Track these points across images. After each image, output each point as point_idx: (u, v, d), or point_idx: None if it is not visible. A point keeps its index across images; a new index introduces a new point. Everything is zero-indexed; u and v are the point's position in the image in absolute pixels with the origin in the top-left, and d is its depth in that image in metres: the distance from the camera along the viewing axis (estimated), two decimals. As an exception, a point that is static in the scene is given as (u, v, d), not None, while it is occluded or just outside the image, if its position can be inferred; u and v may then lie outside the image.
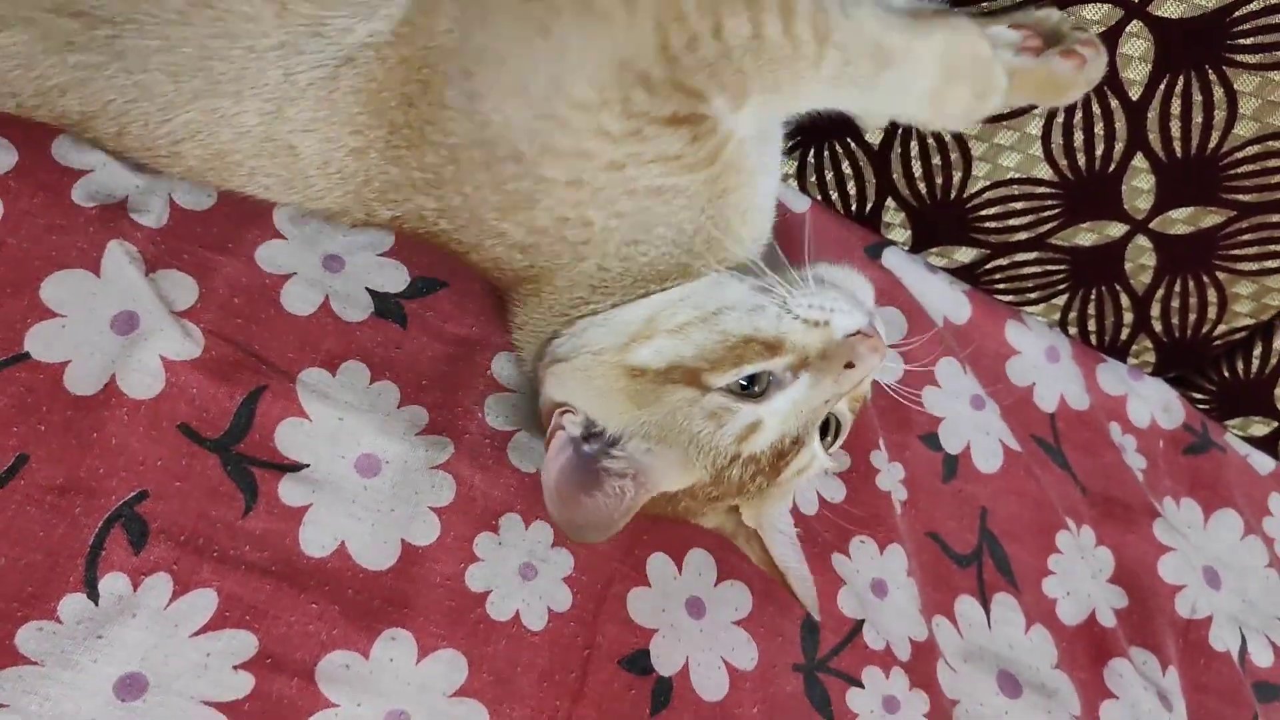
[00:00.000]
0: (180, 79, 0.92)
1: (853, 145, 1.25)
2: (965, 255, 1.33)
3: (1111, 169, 1.22)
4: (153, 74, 0.91)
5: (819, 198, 1.31)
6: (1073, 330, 1.39)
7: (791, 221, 1.30)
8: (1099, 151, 1.21)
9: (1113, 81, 1.16)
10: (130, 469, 0.90)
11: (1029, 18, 1.06)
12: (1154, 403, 1.43)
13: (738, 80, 0.90)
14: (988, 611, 1.19)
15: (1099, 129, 1.20)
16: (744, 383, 0.90)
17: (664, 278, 0.96)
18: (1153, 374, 1.43)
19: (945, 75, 0.97)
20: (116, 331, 0.94)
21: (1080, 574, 1.25)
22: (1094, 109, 1.18)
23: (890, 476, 1.20)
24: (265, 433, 0.96)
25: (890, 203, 1.29)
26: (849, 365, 0.91)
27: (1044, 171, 1.23)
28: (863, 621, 1.10)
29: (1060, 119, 1.19)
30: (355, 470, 0.97)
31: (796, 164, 1.28)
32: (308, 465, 0.96)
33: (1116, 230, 1.28)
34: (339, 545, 0.94)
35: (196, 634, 0.88)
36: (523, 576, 0.99)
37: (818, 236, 1.29)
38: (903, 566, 1.15)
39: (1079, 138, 1.20)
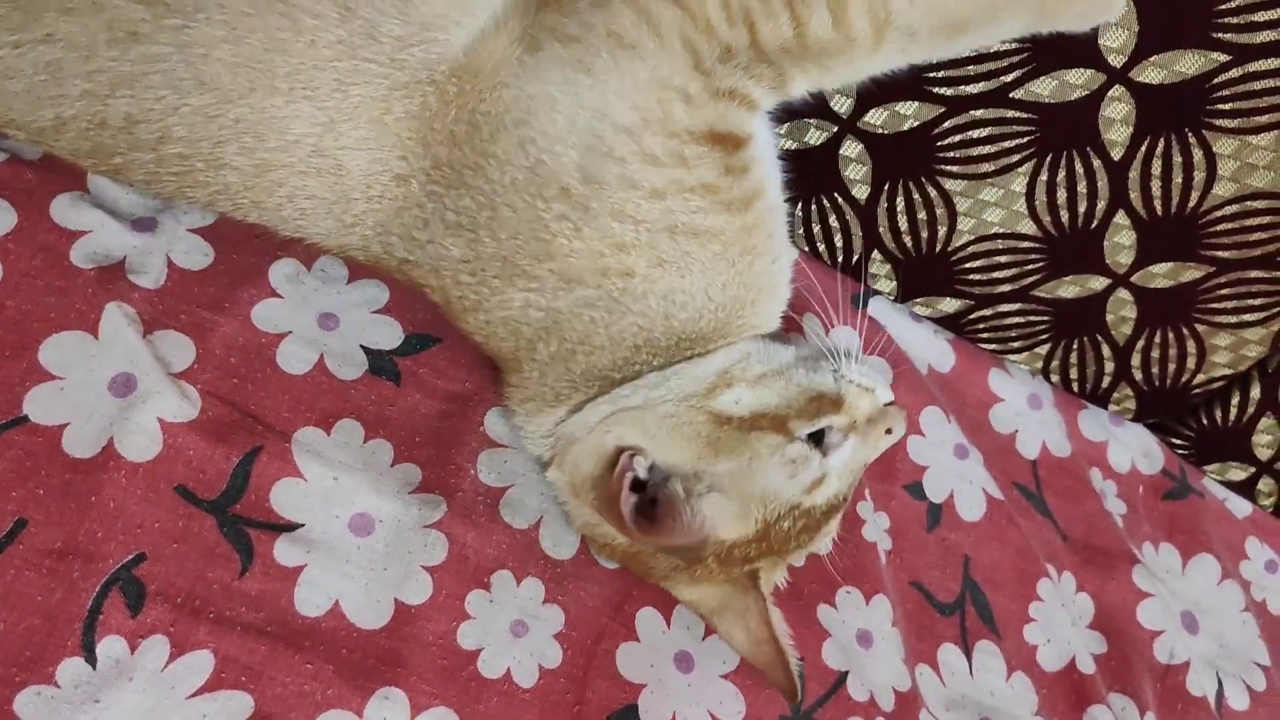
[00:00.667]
0: (238, 70, 0.91)
1: (840, 200, 1.27)
2: (950, 305, 1.35)
3: (1094, 226, 1.25)
4: (213, 65, 0.91)
5: (807, 249, 1.33)
6: (1055, 378, 1.41)
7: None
8: (1081, 209, 1.24)
9: (1095, 142, 1.18)
10: (128, 532, 0.91)
11: None
12: (1134, 448, 1.45)
13: (776, 74, 0.93)
14: (970, 659, 1.21)
15: (1081, 188, 1.22)
16: (815, 436, 0.96)
17: (705, 339, 0.99)
18: (1133, 420, 1.46)
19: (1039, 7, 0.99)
20: (114, 394, 0.95)
21: (1060, 621, 1.27)
22: (1077, 168, 1.21)
23: (876, 526, 1.22)
24: (261, 493, 0.97)
25: (876, 255, 1.31)
26: (888, 431, 0.99)
27: (1028, 227, 1.26)
28: (847, 673, 1.12)
29: (1044, 177, 1.22)
30: (349, 530, 0.99)
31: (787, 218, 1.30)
32: (303, 525, 0.97)
33: (1098, 284, 1.30)
34: (333, 605, 0.96)
35: (193, 695, 0.89)
36: (514, 634, 1.01)
37: (806, 285, 1.31)
38: (888, 617, 1.17)
39: (1062, 195, 1.23)
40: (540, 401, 1.01)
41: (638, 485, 0.95)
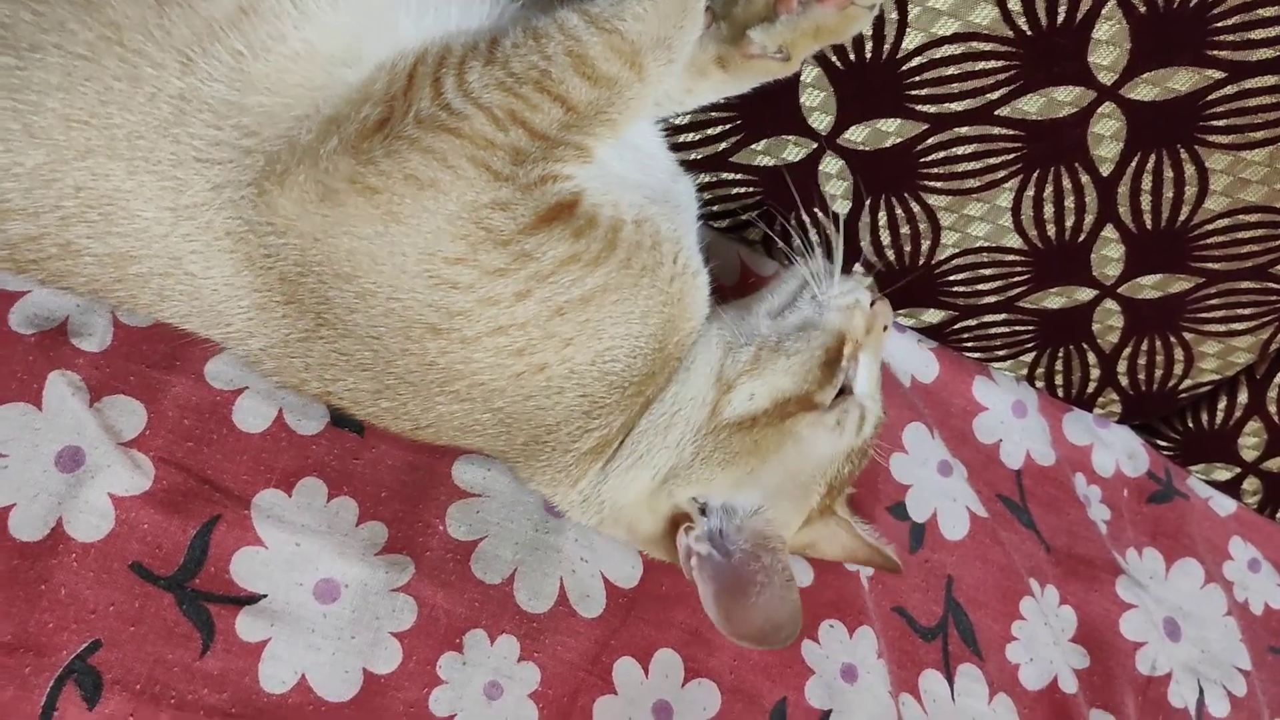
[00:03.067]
0: (72, 126, 0.85)
1: (820, 216, 1.22)
2: (933, 316, 1.31)
3: (1081, 239, 1.21)
4: (45, 116, 0.85)
5: (787, 263, 1.28)
6: (1040, 384, 1.38)
7: (758, 284, 1.27)
8: (1069, 223, 1.19)
9: (1084, 158, 1.14)
10: (81, 619, 0.88)
11: None
12: (1119, 450, 1.42)
13: (574, 148, 0.91)
14: (951, 684, 1.20)
15: (1069, 202, 1.18)
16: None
17: (651, 374, 0.97)
18: (1119, 422, 1.43)
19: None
20: (61, 469, 0.91)
21: (1043, 639, 1.25)
22: (1064, 183, 1.16)
23: (856, 555, 1.20)
24: (221, 564, 0.93)
25: (858, 268, 1.27)
26: (885, 329, 1.02)
27: (1013, 241, 1.21)
28: (829, 712, 1.10)
29: (1031, 192, 1.17)
30: (314, 597, 0.95)
31: (763, 232, 1.25)
32: (265, 596, 0.94)
33: (1085, 295, 1.26)
34: (299, 679, 0.93)
35: (157, 785, 0.86)
36: (488, 696, 0.98)
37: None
38: (873, 648, 1.15)
39: (1049, 210, 1.18)
40: (554, 483, 1.00)
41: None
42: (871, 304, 1.01)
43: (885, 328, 1.02)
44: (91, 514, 0.90)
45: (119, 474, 0.92)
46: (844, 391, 0.98)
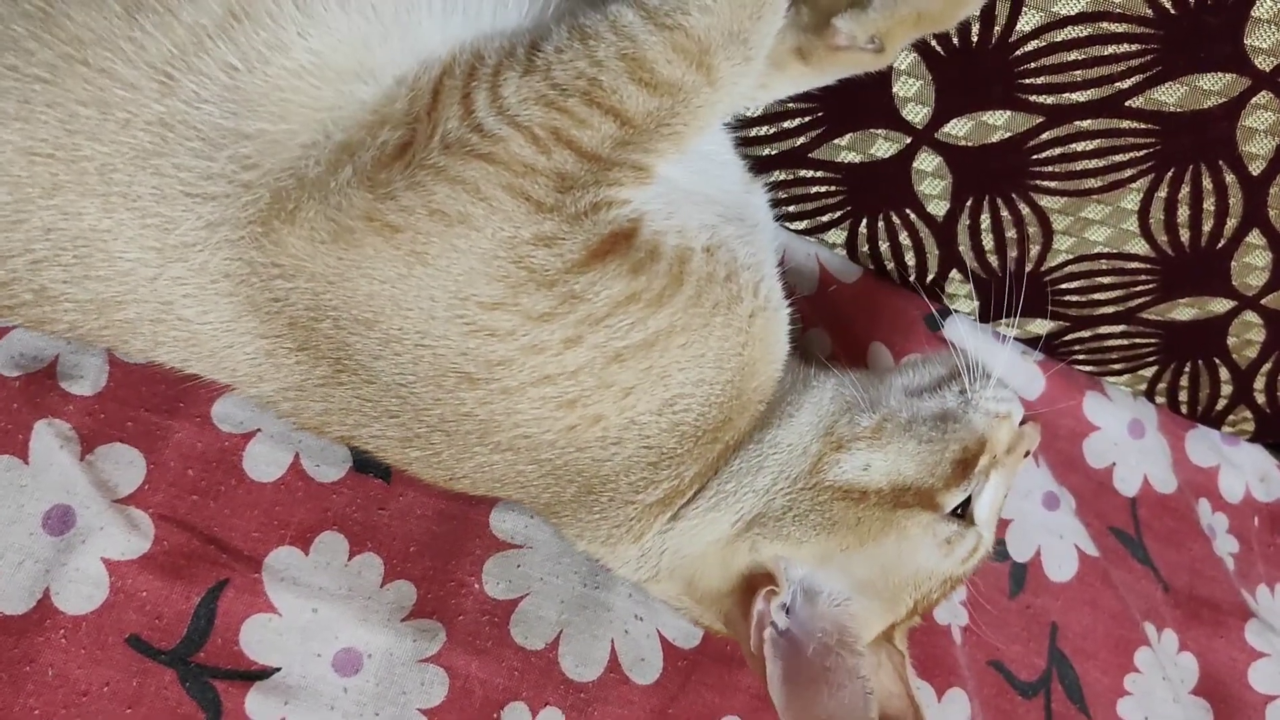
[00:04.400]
0: (36, 160, 0.74)
1: (912, 216, 1.07)
2: (1040, 327, 1.16)
3: (1220, 245, 1.05)
4: (3, 149, 0.74)
5: (872, 267, 1.14)
6: (1160, 400, 1.22)
7: (840, 293, 1.13)
8: (1207, 228, 1.03)
9: (1230, 155, 0.97)
10: (71, 704, 0.79)
11: None
12: (1249, 472, 1.27)
13: (631, 169, 0.78)
14: (1056, 748, 1.07)
15: (1209, 204, 1.01)
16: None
17: (729, 420, 0.84)
18: (1250, 440, 1.26)
19: None
20: (49, 531, 0.82)
21: (1160, 694, 1.12)
22: (1205, 183, 1.00)
23: (949, 601, 1.06)
24: (229, 635, 0.84)
25: (955, 274, 1.11)
26: (1026, 454, 0.89)
27: (1139, 247, 1.05)
28: (915, 788, 0.97)
29: (1163, 194, 1.01)
30: (333, 669, 0.86)
31: (846, 234, 1.10)
32: (278, 669, 0.84)
33: (1221, 306, 1.10)
34: (317, 764, 0.83)
35: None
36: (530, 780, 0.88)
37: (872, 307, 1.13)
38: (964, 713, 1.03)
39: (1183, 213, 1.02)
40: (610, 539, 0.86)
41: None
42: (1023, 422, 0.88)
43: (1026, 454, 0.89)
44: (83, 582, 0.81)
45: (114, 536, 0.83)
46: (964, 512, 0.85)
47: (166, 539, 0.84)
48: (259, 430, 0.89)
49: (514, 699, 0.89)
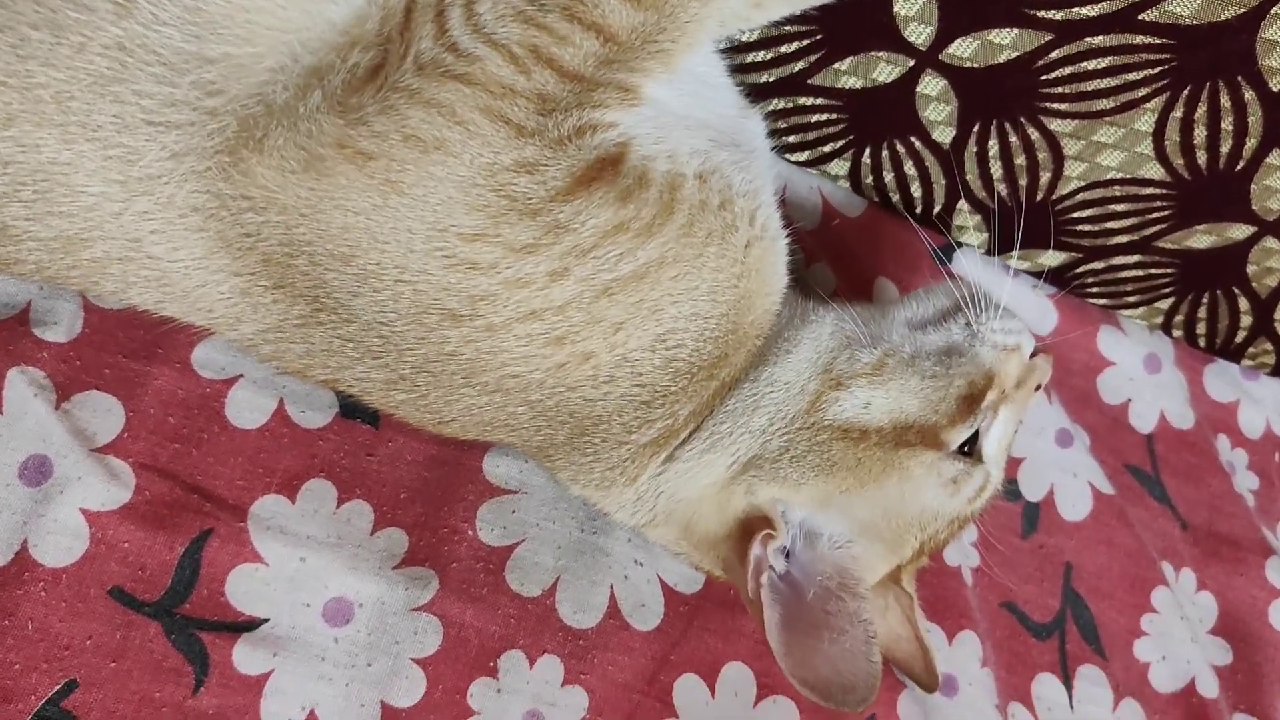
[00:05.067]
0: None
1: (917, 144, 1.02)
2: (1052, 259, 1.12)
3: (1239, 167, 1.00)
4: None
5: (876, 200, 1.10)
6: (1177, 333, 1.18)
7: (844, 227, 1.09)
8: (1225, 149, 0.99)
9: (1250, 70, 0.92)
10: (53, 658, 0.77)
11: None
12: (1270, 406, 1.23)
13: (616, 90, 0.74)
14: (1070, 689, 1.04)
15: (1227, 124, 0.97)
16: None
17: (725, 356, 0.80)
18: (1271, 374, 1.22)
19: None
20: (26, 482, 0.79)
21: (1179, 636, 1.09)
22: (1223, 101, 0.95)
23: (960, 542, 1.03)
24: (214, 586, 0.82)
25: (963, 205, 1.07)
26: (1037, 387, 0.86)
27: (1154, 171, 1.01)
28: (926, 731, 0.95)
29: (1179, 114, 0.96)
30: (323, 619, 0.83)
31: (849, 165, 1.06)
32: (266, 620, 0.82)
33: (1240, 232, 1.06)
34: (308, 716, 0.82)
35: (146, 845, 0.76)
36: (528, 728, 0.85)
37: (877, 241, 1.09)
38: (976, 655, 1.00)
39: (1200, 134, 0.98)
40: (604, 482, 0.83)
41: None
42: (1033, 355, 0.85)
43: (1038, 387, 0.86)
44: (61, 534, 0.79)
45: (92, 486, 0.80)
46: (971, 450, 0.82)
47: (148, 488, 0.81)
48: (241, 376, 0.87)
49: (510, 647, 0.87)
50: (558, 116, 0.72)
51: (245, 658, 0.81)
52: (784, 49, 0.96)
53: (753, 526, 0.80)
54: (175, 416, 0.84)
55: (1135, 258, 1.10)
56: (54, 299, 0.83)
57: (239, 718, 0.80)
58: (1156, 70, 0.93)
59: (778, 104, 1.01)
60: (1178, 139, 0.98)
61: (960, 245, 1.12)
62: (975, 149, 1.02)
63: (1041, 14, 0.90)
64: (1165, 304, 1.15)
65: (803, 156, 1.07)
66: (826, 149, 1.05)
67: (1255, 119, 0.96)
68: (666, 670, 0.91)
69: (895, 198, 1.09)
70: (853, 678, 0.77)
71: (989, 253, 1.13)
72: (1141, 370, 1.17)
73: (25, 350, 0.81)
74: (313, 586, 0.83)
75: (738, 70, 0.94)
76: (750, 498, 0.81)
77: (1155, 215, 1.05)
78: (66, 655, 0.77)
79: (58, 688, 0.76)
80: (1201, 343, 1.19)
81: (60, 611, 0.78)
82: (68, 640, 0.77)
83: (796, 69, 0.98)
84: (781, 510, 0.81)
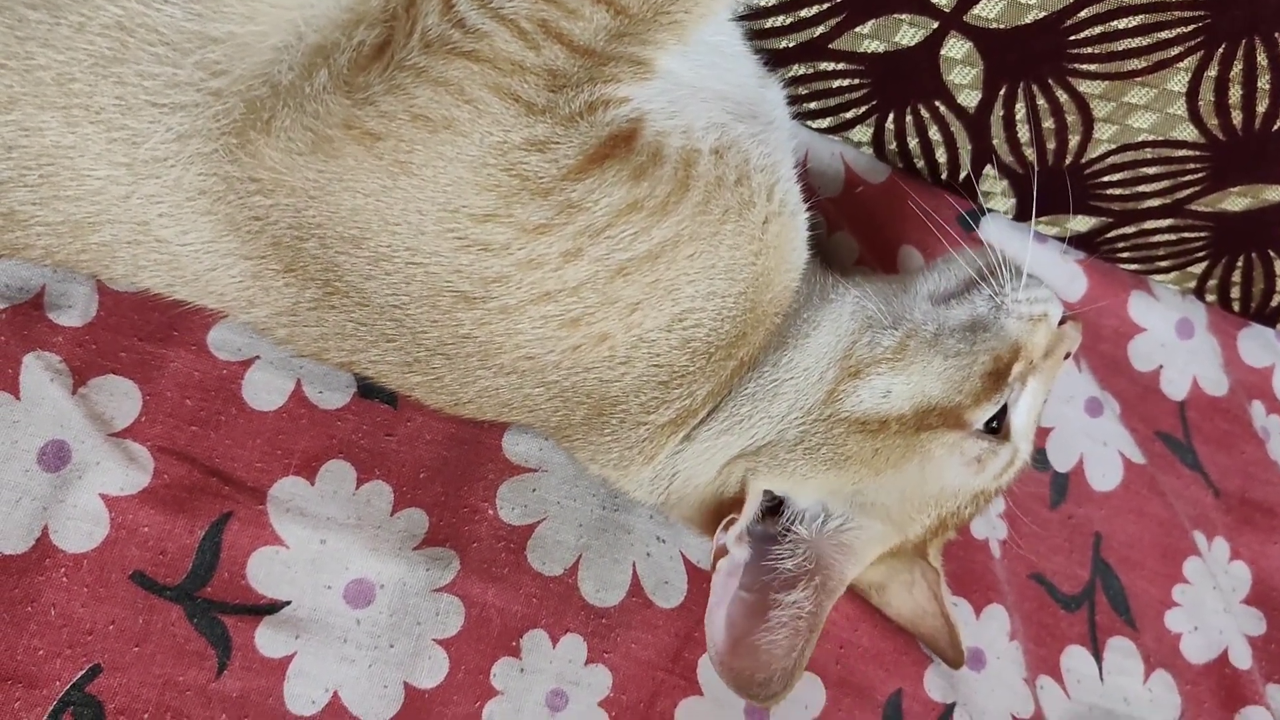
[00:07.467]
0: None
1: (942, 109, 1.00)
2: (1082, 224, 1.09)
3: (1276, 127, 0.97)
4: None
5: (901, 166, 1.07)
6: (1211, 298, 1.15)
7: (868, 195, 1.07)
8: (1262, 108, 0.96)
9: (1287, 25, 0.89)
10: (76, 643, 0.77)
11: None
12: (1307, 370, 1.20)
13: (628, 64, 0.73)
14: (1100, 661, 1.03)
15: (1263, 82, 0.94)
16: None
17: (743, 335, 0.79)
18: (1307, 338, 1.20)
19: None
20: (45, 468, 0.79)
21: (1210, 604, 1.07)
22: (1259, 60, 0.92)
23: (987, 514, 1.02)
24: (235, 569, 0.81)
25: (990, 170, 1.05)
26: (1066, 356, 0.84)
27: (1187, 133, 0.98)
28: (954, 705, 0.94)
29: (1213, 73, 0.93)
30: (345, 601, 0.83)
31: (872, 130, 1.04)
32: (288, 603, 0.82)
33: (1276, 194, 1.03)
34: (331, 697, 0.81)
35: (173, 827, 0.76)
36: (551, 707, 0.85)
37: (902, 208, 1.07)
38: (1004, 629, 0.99)
39: (1236, 94, 0.95)
40: (622, 462, 0.83)
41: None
42: (1061, 322, 0.83)
43: (1067, 355, 0.84)
44: (82, 519, 0.79)
45: (111, 470, 0.80)
46: (999, 423, 0.80)
47: (166, 472, 0.81)
48: (258, 357, 0.86)
49: (533, 626, 0.86)
50: (568, 93, 0.70)
51: (268, 640, 0.80)
52: (804, 13, 0.94)
53: (725, 510, 0.80)
54: (193, 399, 0.84)
55: (1168, 221, 1.07)
56: (68, 283, 0.83)
57: (263, 700, 0.80)
58: (1190, 28, 0.90)
59: (798, 70, 0.98)
60: (1212, 99, 0.95)
61: (987, 211, 1.09)
62: (1002, 113, 0.99)
63: (1070, -28, 0.88)
64: (1198, 268, 1.12)
65: (825, 123, 1.04)
66: (849, 115, 1.03)
67: (1293, 77, 0.93)
68: (690, 647, 0.90)
69: (920, 164, 1.06)
70: (770, 669, 0.76)
71: (1016, 218, 1.10)
72: (1173, 336, 1.15)
73: (41, 335, 0.81)
74: (333, 568, 0.83)
75: (755, 36, 0.92)
76: (751, 479, 0.80)
77: (1188, 178, 1.02)
78: (89, 640, 0.77)
79: (82, 673, 0.77)
80: (1236, 307, 1.16)
81: (82, 597, 0.78)
82: (90, 625, 0.77)
83: (817, 33, 0.95)
84: (777, 499, 0.81)
